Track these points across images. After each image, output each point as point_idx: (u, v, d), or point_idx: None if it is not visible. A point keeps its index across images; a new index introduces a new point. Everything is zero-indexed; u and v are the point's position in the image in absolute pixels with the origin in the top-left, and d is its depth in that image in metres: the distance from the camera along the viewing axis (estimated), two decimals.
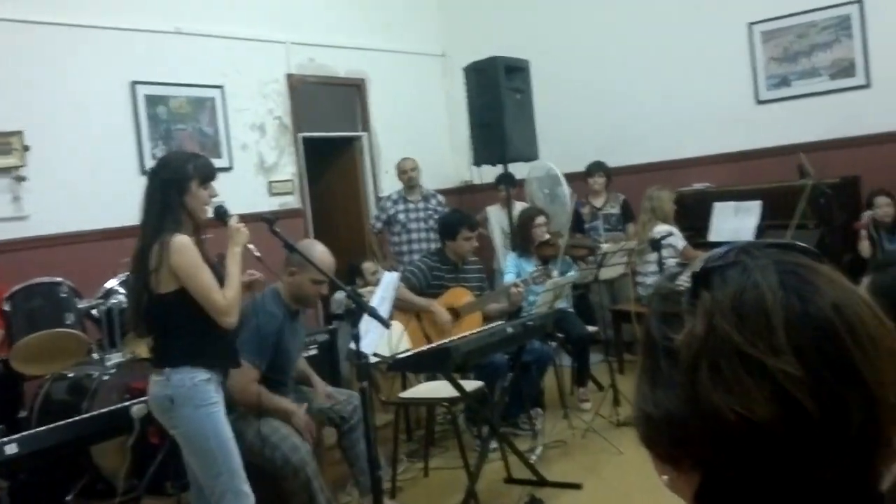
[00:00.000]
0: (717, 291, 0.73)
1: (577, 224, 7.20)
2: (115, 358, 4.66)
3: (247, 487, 3.27)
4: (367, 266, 6.46)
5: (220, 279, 3.25)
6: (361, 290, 6.44)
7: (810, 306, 0.71)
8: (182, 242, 3.15)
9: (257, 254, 3.35)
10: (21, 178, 5.55)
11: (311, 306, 4.79)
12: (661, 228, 6.26)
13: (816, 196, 6.15)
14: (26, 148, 5.55)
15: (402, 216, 7.15)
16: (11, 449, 3.56)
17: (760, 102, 7.39)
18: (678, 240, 6.27)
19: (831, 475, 0.70)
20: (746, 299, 0.71)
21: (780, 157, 6.90)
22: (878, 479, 0.74)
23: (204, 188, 3.29)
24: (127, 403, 3.97)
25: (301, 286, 4.01)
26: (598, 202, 7.39)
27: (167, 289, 3.17)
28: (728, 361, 0.70)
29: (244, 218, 3.47)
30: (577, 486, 4.48)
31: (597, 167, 7.36)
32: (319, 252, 4.07)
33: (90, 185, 5.82)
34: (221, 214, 3.42)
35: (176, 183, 3.23)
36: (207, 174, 3.32)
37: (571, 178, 7.09)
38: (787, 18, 7.15)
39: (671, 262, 5.87)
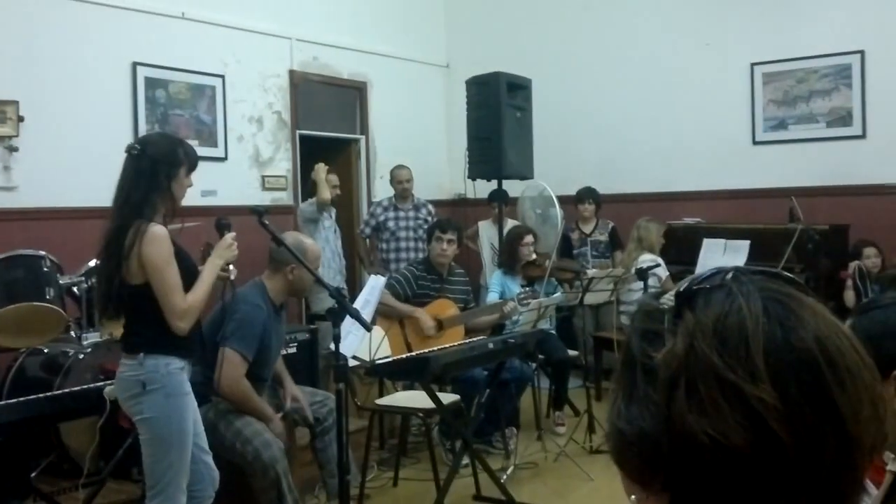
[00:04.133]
0: (701, 313, 0.73)
1: (566, 248, 7.21)
2: (92, 337, 4.62)
3: (185, 486, 3.24)
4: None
5: (191, 274, 3.21)
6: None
7: (792, 336, 0.70)
8: (157, 234, 3.08)
9: (232, 277, 3.37)
10: (13, 149, 5.52)
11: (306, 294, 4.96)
12: (645, 258, 6.30)
13: (804, 241, 6.17)
14: (21, 118, 5.52)
15: (391, 223, 7.14)
16: None
17: (756, 143, 7.44)
18: (662, 270, 6.31)
19: None
20: (729, 323, 0.71)
21: (772, 199, 6.95)
22: None
23: (188, 176, 3.27)
24: (100, 384, 3.93)
25: (303, 279, 4.03)
26: (587, 228, 7.41)
27: (137, 280, 3.11)
28: (705, 384, 0.69)
29: (235, 210, 3.46)
30: None
31: (587, 194, 7.35)
32: (310, 245, 4.14)
33: (82, 162, 5.78)
34: (222, 227, 3.40)
35: (167, 165, 3.17)
36: (193, 162, 3.30)
37: (564, 201, 7.10)
38: (789, 62, 7.21)
39: (654, 292, 5.89)
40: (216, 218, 3.43)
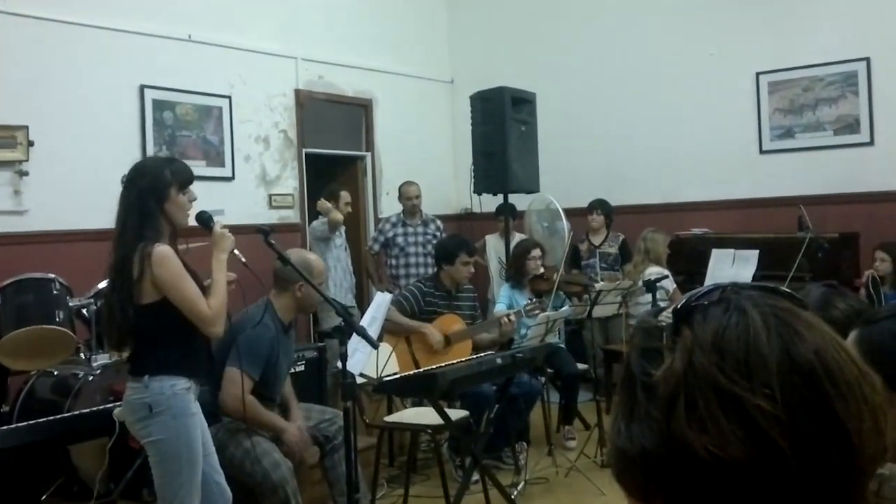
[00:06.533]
0: (699, 329, 0.73)
1: (575, 260, 7.20)
2: (101, 359, 4.64)
3: None
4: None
5: (200, 287, 3.20)
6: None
7: (791, 349, 0.70)
8: (163, 253, 3.08)
9: (243, 260, 3.30)
10: (23, 173, 5.56)
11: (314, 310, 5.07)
12: (652, 270, 6.28)
13: (814, 250, 6.14)
14: (31, 143, 5.56)
15: (400, 239, 7.15)
16: None
17: (764, 152, 7.43)
18: (669, 283, 6.27)
19: None
20: (728, 337, 0.71)
21: (780, 208, 6.93)
22: None
23: (183, 193, 3.22)
24: (109, 406, 3.94)
25: (311, 296, 4.02)
26: (596, 240, 7.39)
27: (149, 299, 3.10)
28: (704, 398, 0.69)
29: (242, 229, 3.44)
30: None
31: (597, 205, 7.37)
32: (314, 260, 4.16)
33: (91, 185, 5.81)
34: (206, 220, 3.34)
35: (154, 191, 3.15)
36: (185, 178, 3.25)
37: (571, 213, 7.11)
38: (794, 71, 7.21)
39: (663, 305, 5.86)
40: (196, 214, 3.33)
